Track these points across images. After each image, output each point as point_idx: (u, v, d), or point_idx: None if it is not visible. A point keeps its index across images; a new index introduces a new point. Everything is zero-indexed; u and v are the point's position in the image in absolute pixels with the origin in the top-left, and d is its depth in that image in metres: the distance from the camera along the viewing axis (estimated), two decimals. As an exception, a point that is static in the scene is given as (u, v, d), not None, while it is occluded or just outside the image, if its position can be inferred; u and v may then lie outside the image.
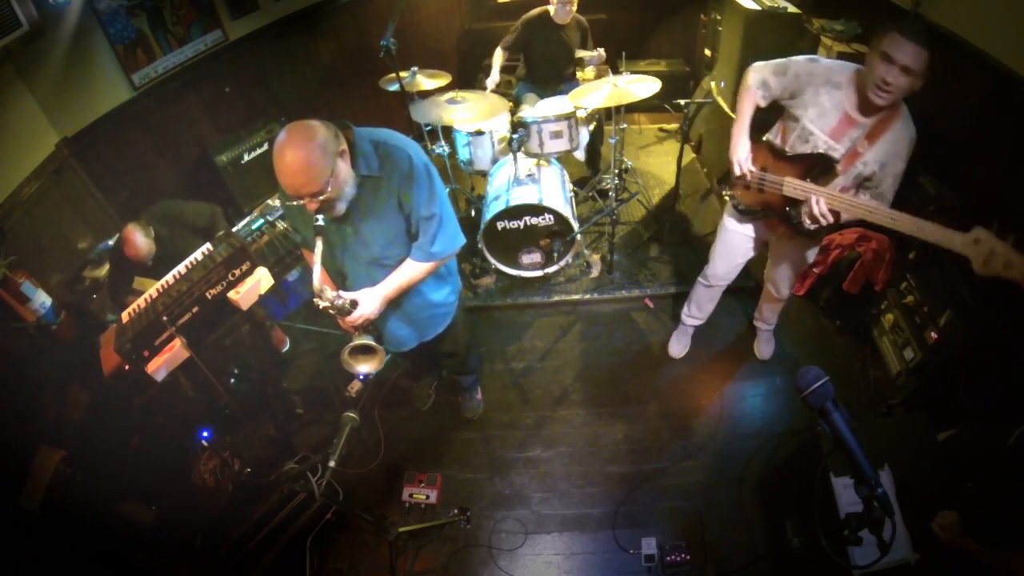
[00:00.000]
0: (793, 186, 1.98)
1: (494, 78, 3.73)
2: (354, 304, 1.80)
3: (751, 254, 2.49)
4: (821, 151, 1.93)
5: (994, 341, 2.25)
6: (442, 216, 1.81)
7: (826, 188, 1.91)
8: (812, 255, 2.43)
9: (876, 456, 1.28)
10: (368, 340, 1.85)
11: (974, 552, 1.58)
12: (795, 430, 2.64)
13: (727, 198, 2.36)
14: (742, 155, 2.10)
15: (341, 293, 1.79)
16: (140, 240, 2.63)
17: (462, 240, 1.92)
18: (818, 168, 1.94)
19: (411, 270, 1.87)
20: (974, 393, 2.31)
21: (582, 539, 2.44)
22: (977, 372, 2.35)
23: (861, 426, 1.35)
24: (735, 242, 2.44)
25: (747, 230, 2.38)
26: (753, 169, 2.11)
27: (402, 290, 1.89)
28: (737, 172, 2.13)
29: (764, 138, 2.14)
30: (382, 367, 1.90)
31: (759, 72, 2.05)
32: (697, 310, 2.91)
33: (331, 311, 1.76)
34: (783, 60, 2.00)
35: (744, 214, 2.30)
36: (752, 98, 2.08)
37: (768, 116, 2.12)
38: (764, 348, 3.01)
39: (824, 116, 1.89)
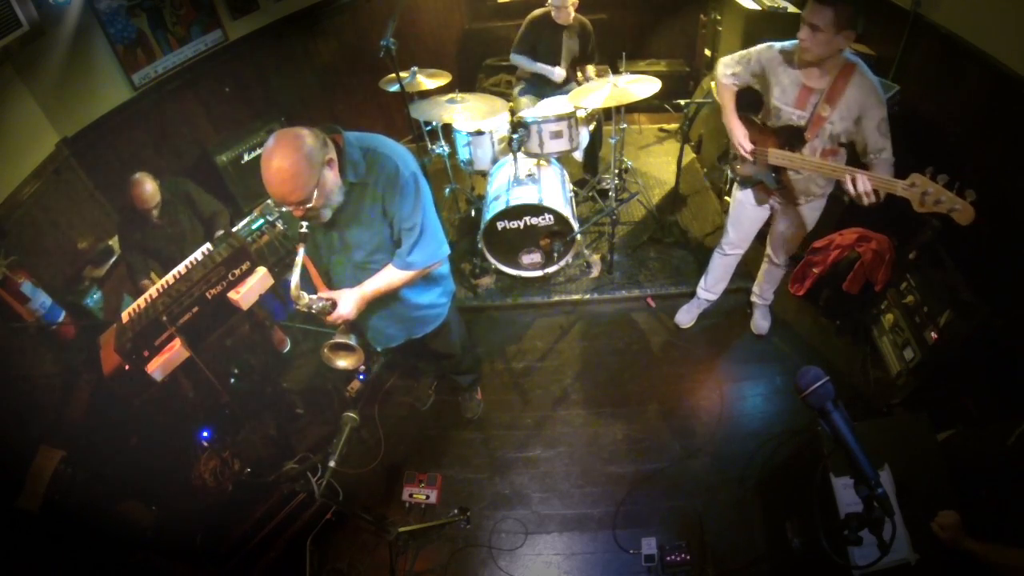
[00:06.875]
0: (776, 155, 2.27)
1: (556, 70, 3.72)
2: (333, 304, 1.81)
3: (759, 223, 2.69)
4: (793, 123, 2.20)
5: (994, 341, 2.25)
6: (423, 228, 1.79)
7: (804, 152, 2.19)
8: (810, 222, 2.55)
9: (876, 456, 1.28)
10: (347, 339, 1.86)
11: (974, 552, 1.58)
12: (795, 430, 2.63)
13: (727, 170, 2.63)
14: (739, 137, 2.38)
15: (320, 295, 1.80)
16: (148, 185, 2.69)
17: (444, 252, 1.90)
18: (792, 137, 2.22)
19: (390, 275, 1.86)
20: (974, 393, 2.31)
21: (582, 539, 2.44)
22: (977, 372, 2.35)
23: (861, 426, 1.35)
24: (743, 209, 2.67)
25: (751, 198, 2.60)
26: (749, 146, 2.38)
27: (380, 294, 1.87)
28: (740, 152, 2.39)
29: (753, 117, 2.40)
30: (360, 365, 1.92)
31: (726, 65, 2.37)
32: (712, 283, 3.03)
33: (312, 312, 1.77)
34: (745, 51, 2.30)
35: (743, 183, 2.59)
36: (726, 89, 2.39)
37: (757, 99, 2.39)
38: (761, 323, 3.10)
39: (786, 92, 2.18)
